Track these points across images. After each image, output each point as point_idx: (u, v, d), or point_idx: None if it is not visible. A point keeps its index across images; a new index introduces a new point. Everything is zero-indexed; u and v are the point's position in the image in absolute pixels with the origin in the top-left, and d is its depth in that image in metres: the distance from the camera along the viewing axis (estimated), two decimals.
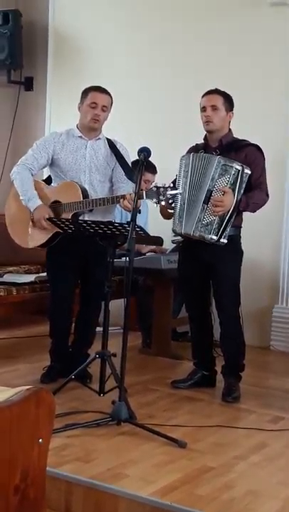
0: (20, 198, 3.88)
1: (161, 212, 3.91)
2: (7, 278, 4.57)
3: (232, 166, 3.63)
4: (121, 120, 5.48)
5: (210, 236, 3.67)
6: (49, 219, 3.72)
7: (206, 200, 3.67)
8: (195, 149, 3.88)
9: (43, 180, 4.10)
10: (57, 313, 4.02)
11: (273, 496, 2.62)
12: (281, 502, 2.57)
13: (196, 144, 3.92)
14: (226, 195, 3.63)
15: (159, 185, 3.45)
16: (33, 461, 2.04)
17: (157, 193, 3.41)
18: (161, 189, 3.42)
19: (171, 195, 3.44)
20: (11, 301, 4.36)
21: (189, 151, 3.87)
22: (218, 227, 3.66)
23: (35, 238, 3.94)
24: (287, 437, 3.27)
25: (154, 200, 3.43)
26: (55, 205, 3.87)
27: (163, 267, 4.56)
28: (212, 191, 3.65)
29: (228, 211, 3.64)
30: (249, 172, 3.67)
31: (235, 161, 3.66)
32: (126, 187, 3.84)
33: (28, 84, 6.13)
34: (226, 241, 3.68)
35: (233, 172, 3.63)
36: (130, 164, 3.92)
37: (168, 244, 4.91)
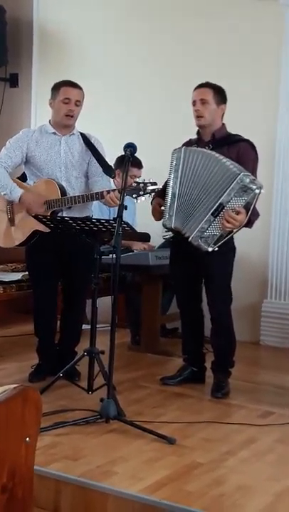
0: (2, 193, 3.83)
1: (152, 212, 3.88)
2: None
3: (252, 190, 3.49)
4: (107, 117, 5.48)
5: (207, 248, 3.60)
6: (35, 217, 3.68)
7: (215, 213, 3.56)
8: (188, 144, 3.84)
9: (18, 178, 4.02)
10: (40, 311, 3.99)
11: (263, 492, 2.61)
12: (271, 497, 2.57)
13: (190, 139, 3.87)
14: (240, 215, 3.52)
15: (138, 180, 3.44)
16: (20, 459, 2.02)
17: (137, 188, 3.40)
18: (141, 184, 3.41)
19: (151, 190, 3.43)
20: None
21: (182, 146, 3.82)
22: (217, 240, 3.60)
23: (13, 238, 3.91)
24: (276, 432, 3.26)
25: (134, 195, 3.42)
26: None
27: (151, 263, 4.55)
28: (224, 207, 3.54)
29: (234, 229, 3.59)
30: (263, 191, 3.56)
31: (256, 180, 3.54)
32: (102, 181, 3.81)
33: (13, 80, 6.09)
34: (216, 249, 3.62)
35: (252, 195, 3.51)
36: (106, 158, 3.88)
37: (156, 241, 4.90)
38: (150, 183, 3.43)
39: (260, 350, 4.99)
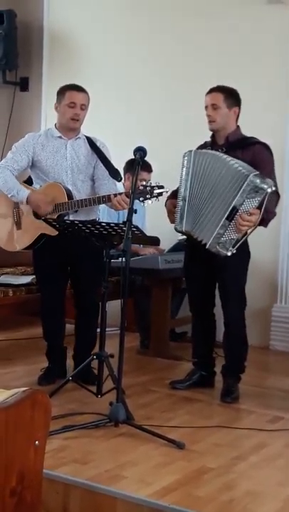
0: (9, 195, 3.84)
1: (168, 214, 3.86)
2: (3, 279, 4.55)
3: (263, 189, 3.46)
4: (117, 120, 5.49)
5: (225, 252, 3.57)
6: (45, 220, 3.69)
7: (230, 217, 3.53)
8: (203, 147, 3.82)
9: (24, 182, 4.02)
10: (48, 314, 4.00)
11: (273, 497, 2.60)
12: (281, 503, 2.55)
13: (205, 142, 3.85)
14: (253, 216, 3.50)
15: (145, 183, 3.44)
16: (29, 463, 2.02)
17: (144, 192, 3.40)
18: (148, 188, 3.41)
19: (158, 193, 3.43)
20: (7, 303, 4.34)
21: (198, 149, 3.80)
22: (235, 244, 3.56)
23: (20, 241, 3.92)
24: (286, 437, 3.24)
25: (141, 199, 3.42)
26: None
27: (160, 267, 4.54)
28: (238, 210, 3.51)
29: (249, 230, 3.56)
30: (275, 189, 3.52)
31: (266, 179, 3.49)
32: (108, 184, 3.82)
33: (24, 84, 6.11)
34: (234, 251, 3.58)
35: (263, 195, 3.48)
36: (111, 161, 3.88)
37: (166, 245, 4.90)
38: (157, 186, 3.43)
39: (270, 355, 4.97)
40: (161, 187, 3.46)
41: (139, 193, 3.41)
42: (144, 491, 2.57)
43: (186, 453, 2.98)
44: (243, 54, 5.11)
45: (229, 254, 3.58)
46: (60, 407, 3.36)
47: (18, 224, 3.92)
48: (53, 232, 3.68)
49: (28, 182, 4.00)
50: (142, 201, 3.45)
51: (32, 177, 3.97)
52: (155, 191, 3.42)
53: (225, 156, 3.62)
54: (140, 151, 3.36)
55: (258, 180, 3.47)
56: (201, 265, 3.80)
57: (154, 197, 3.44)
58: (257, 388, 4.02)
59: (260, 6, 5.04)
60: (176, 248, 4.91)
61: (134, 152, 3.38)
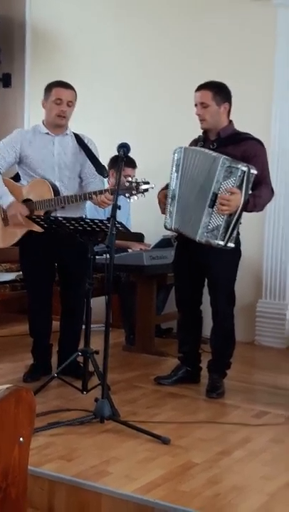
0: None
1: (158, 203, 3.82)
2: None
3: (237, 168, 3.49)
4: (100, 117, 5.48)
5: (217, 242, 3.55)
6: (28, 217, 3.68)
7: (212, 204, 3.53)
8: (195, 142, 3.81)
9: (11, 178, 4.01)
10: (35, 311, 3.98)
11: (257, 491, 2.61)
12: (265, 497, 2.56)
13: (199, 136, 3.82)
14: (234, 195, 3.49)
15: (130, 180, 3.43)
16: (13, 460, 2.01)
17: (130, 188, 3.40)
18: (134, 184, 3.40)
19: (144, 189, 3.42)
20: None
21: (190, 145, 3.79)
22: (224, 231, 3.54)
23: (7, 237, 3.90)
24: (271, 432, 3.26)
25: (127, 195, 3.42)
26: (27, 204, 3.82)
27: (145, 263, 4.54)
28: (217, 194, 3.52)
29: (236, 213, 3.52)
30: (255, 172, 3.53)
31: (240, 161, 3.52)
32: (95, 182, 3.81)
33: (6, 80, 6.08)
34: (233, 245, 3.57)
35: (239, 174, 3.48)
36: (99, 158, 3.87)
37: (151, 240, 4.90)
38: (143, 182, 3.43)
39: (255, 350, 4.99)
40: (147, 183, 3.46)
41: (125, 189, 3.41)
42: (130, 486, 2.58)
43: (172, 448, 2.99)
44: (231, 49, 5.10)
45: (222, 243, 3.55)
46: (45, 404, 3.35)
47: (5, 220, 3.91)
48: (40, 229, 3.67)
49: (16, 178, 4.00)
50: (128, 197, 3.44)
51: (19, 173, 3.96)
52: (141, 187, 3.41)
53: (210, 151, 3.61)
54: (124, 148, 3.35)
55: (229, 161, 3.48)
56: (190, 262, 3.80)
57: (140, 193, 3.43)
58: (242, 383, 4.04)
59: (252, 7, 5.02)
60: (161, 244, 4.92)
61: (117, 148, 3.37)
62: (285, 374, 4.31)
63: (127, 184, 3.41)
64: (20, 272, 4.59)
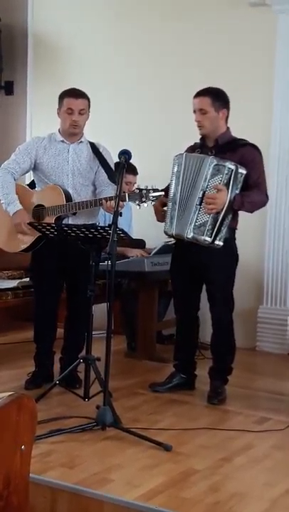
0: (1, 201, 3.87)
1: (155, 213, 3.86)
2: None
3: (224, 166, 3.57)
4: (101, 123, 5.49)
5: (203, 237, 3.60)
6: (30, 223, 3.70)
7: (200, 202, 3.61)
8: (192, 148, 3.84)
9: (27, 185, 4.10)
10: (41, 317, 3.99)
11: (259, 498, 2.61)
12: (267, 503, 2.56)
13: (195, 143, 3.86)
14: (220, 192, 3.56)
15: (141, 187, 3.45)
16: (15, 467, 2.02)
17: (140, 195, 3.41)
18: (144, 191, 3.42)
19: (154, 197, 3.44)
20: None
21: (187, 151, 3.82)
22: (211, 228, 3.59)
23: (19, 242, 3.92)
24: (273, 438, 3.26)
25: (137, 202, 3.43)
26: (39, 209, 3.86)
27: (147, 269, 4.54)
28: (205, 191, 3.60)
29: (222, 210, 3.58)
30: (244, 172, 3.60)
31: (229, 160, 3.60)
32: (108, 190, 3.83)
33: (9, 88, 6.09)
34: (221, 243, 3.62)
35: (226, 171, 3.56)
36: (112, 166, 3.90)
37: (152, 247, 4.91)
38: (153, 189, 3.44)
39: (256, 356, 4.99)
40: (157, 190, 3.48)
41: (135, 196, 3.42)
42: (131, 493, 2.58)
43: (173, 455, 2.99)
44: (231, 56, 5.13)
45: (209, 239, 3.59)
46: (47, 411, 3.35)
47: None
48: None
49: (32, 185, 4.04)
50: (138, 204, 3.46)
51: (35, 180, 4.02)
52: (150, 194, 3.42)
53: (212, 157, 3.64)
54: (125, 154, 3.37)
55: (217, 160, 3.56)
56: (187, 268, 3.81)
57: (150, 200, 3.44)
58: (244, 389, 4.04)
59: (253, 12, 5.05)
60: (162, 250, 4.92)
61: (118, 155, 3.39)
62: (287, 380, 4.31)
63: (137, 191, 3.42)
64: (22, 280, 4.62)
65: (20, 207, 3.83)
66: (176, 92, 4.63)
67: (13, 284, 4.52)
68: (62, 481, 2.66)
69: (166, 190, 3.69)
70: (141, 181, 3.73)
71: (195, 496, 2.58)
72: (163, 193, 3.61)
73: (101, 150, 3.92)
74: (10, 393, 2.03)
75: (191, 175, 3.67)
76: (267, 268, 5.09)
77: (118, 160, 3.40)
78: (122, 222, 3.81)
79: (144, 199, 3.43)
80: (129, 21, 5.57)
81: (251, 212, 3.79)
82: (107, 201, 3.62)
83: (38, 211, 3.86)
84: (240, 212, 3.87)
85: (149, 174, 4.57)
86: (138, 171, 4.79)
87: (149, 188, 3.47)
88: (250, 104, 5.05)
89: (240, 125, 4.77)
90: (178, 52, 5.35)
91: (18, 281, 4.60)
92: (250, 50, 5.08)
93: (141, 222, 5.05)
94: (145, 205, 3.47)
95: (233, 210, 3.64)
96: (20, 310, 4.48)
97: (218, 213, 3.59)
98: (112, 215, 3.35)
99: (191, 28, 5.29)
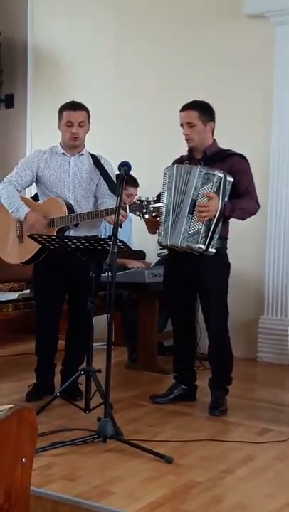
0: (9, 210, 3.89)
1: (147, 225, 3.89)
2: None
3: (214, 174, 3.63)
4: (100, 135, 5.51)
5: (198, 245, 3.64)
6: (30, 236, 3.70)
7: (191, 210, 3.66)
8: (180, 161, 3.88)
9: (31, 198, 4.12)
10: (42, 329, 3.99)
11: (261, 509, 2.60)
12: None
13: (181, 156, 3.92)
14: (211, 200, 3.62)
15: (142, 198, 3.46)
16: (16, 480, 2.01)
17: (141, 206, 3.42)
18: (145, 202, 3.43)
19: (154, 208, 3.45)
20: None
21: (174, 163, 3.87)
22: (205, 235, 3.64)
23: (21, 254, 3.93)
24: (274, 450, 3.25)
25: (138, 213, 3.44)
26: None
27: (147, 280, 4.55)
28: (196, 200, 3.65)
29: (214, 217, 3.63)
30: (232, 180, 3.67)
31: (217, 169, 3.65)
32: (109, 201, 3.85)
33: (9, 101, 6.13)
34: (214, 250, 3.66)
35: (215, 180, 3.62)
36: (114, 178, 3.92)
37: (152, 258, 4.91)
38: (153, 200, 3.45)
39: (257, 367, 4.98)
40: (158, 201, 3.49)
41: (135, 207, 3.43)
42: (133, 506, 2.57)
43: (174, 467, 2.98)
44: (230, 66, 5.16)
45: (203, 247, 3.63)
46: (47, 424, 3.35)
47: (20, 237, 3.95)
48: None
49: (35, 198, 4.07)
50: (139, 215, 3.47)
51: (37, 192, 4.04)
52: (151, 206, 3.43)
53: (200, 166, 3.69)
54: (124, 166, 3.38)
55: (206, 169, 3.63)
56: (180, 278, 3.83)
57: (150, 211, 3.45)
58: (245, 400, 4.03)
59: (238, 19, 5.09)
60: (162, 262, 4.92)
61: (118, 167, 3.40)
62: (288, 391, 4.31)
63: (137, 203, 3.43)
64: (23, 292, 4.62)
65: (28, 209, 3.85)
66: (177, 104, 4.59)
67: (13, 296, 4.53)
68: (63, 494, 2.66)
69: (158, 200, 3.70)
70: (142, 193, 3.73)
71: (197, 508, 2.57)
72: (163, 204, 3.63)
73: (102, 162, 3.95)
74: (11, 406, 2.02)
75: (182, 185, 3.72)
76: (267, 278, 5.09)
77: (118, 172, 3.42)
78: (121, 234, 3.81)
79: (144, 210, 3.44)
80: (129, 34, 5.60)
81: (243, 219, 3.83)
82: (108, 214, 3.63)
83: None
84: (240, 223, 3.89)
85: (149, 186, 4.58)
86: (139, 183, 4.81)
87: (150, 199, 3.48)
88: (249, 115, 5.08)
89: (239, 135, 4.82)
90: (178, 63, 5.38)
91: (18, 293, 4.61)
92: (249, 61, 5.10)
93: (141, 234, 5.06)
94: (146, 216, 3.48)
95: (224, 216, 3.68)
96: (21, 322, 4.48)
97: (210, 221, 3.63)
98: (112, 227, 3.36)
99: (191, 40, 5.32)
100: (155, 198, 3.48)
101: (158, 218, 3.77)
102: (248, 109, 5.07)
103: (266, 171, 4.96)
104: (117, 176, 3.46)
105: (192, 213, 3.65)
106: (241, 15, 5.08)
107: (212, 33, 5.22)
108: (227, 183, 3.65)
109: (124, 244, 3.41)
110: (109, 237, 3.29)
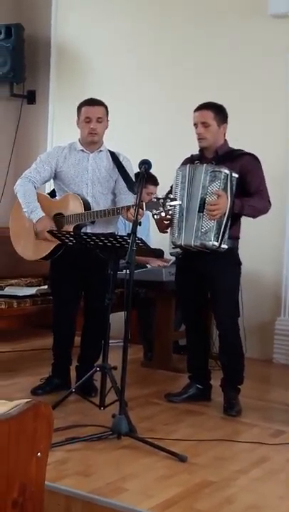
0: (23, 209, 3.91)
1: (157, 224, 3.89)
2: (8, 291, 4.57)
3: (220, 171, 3.64)
4: (122, 133, 5.52)
5: (211, 243, 3.65)
6: (49, 231, 3.72)
7: (201, 209, 3.67)
8: (190, 160, 3.88)
9: (48, 194, 4.14)
10: (59, 326, 4.01)
11: (274, 511, 2.59)
12: None
13: (192, 155, 3.91)
14: (220, 197, 3.63)
15: (159, 196, 3.46)
16: (31, 475, 2.02)
17: (157, 204, 3.42)
18: (161, 200, 3.43)
19: (171, 206, 3.45)
20: (11, 314, 4.36)
21: (184, 163, 3.87)
22: (217, 232, 3.65)
23: (38, 250, 3.95)
24: (288, 451, 3.23)
25: (154, 211, 3.44)
26: (58, 218, 3.89)
27: (164, 279, 4.55)
28: (205, 199, 3.66)
29: (225, 214, 3.64)
30: (237, 176, 3.67)
31: (223, 166, 3.66)
32: (127, 198, 3.85)
33: (31, 97, 6.16)
34: (226, 246, 3.67)
35: (222, 177, 3.63)
36: (132, 175, 3.92)
37: (170, 257, 4.90)
38: (170, 198, 3.45)
39: (273, 368, 4.96)
40: (174, 199, 3.49)
41: (152, 205, 3.43)
42: (146, 503, 2.57)
43: (188, 466, 2.98)
44: (243, 65, 5.15)
45: (216, 243, 3.63)
46: (63, 419, 3.36)
47: (37, 234, 3.96)
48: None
49: (52, 194, 4.07)
50: (156, 214, 3.46)
51: (55, 188, 4.05)
52: (168, 203, 3.43)
53: (206, 165, 3.70)
54: (145, 164, 3.39)
55: (212, 167, 3.64)
56: (192, 277, 3.83)
57: (166, 210, 3.45)
58: (260, 402, 4.02)
59: (261, 19, 5.07)
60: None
61: (139, 165, 3.41)
62: None
63: (154, 200, 3.43)
64: (41, 287, 4.64)
65: (42, 214, 3.87)
66: (198, 103, 4.61)
67: (31, 291, 4.55)
68: (76, 490, 2.66)
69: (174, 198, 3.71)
70: (161, 193, 3.74)
71: (210, 508, 2.57)
72: (180, 202, 3.63)
73: (121, 159, 3.95)
74: (27, 400, 2.04)
75: (191, 184, 3.72)
76: (285, 280, 5.07)
77: (138, 170, 3.42)
78: (140, 232, 3.79)
79: (161, 208, 3.45)
80: (150, 32, 5.60)
81: (253, 217, 3.83)
82: (127, 210, 3.64)
83: (57, 219, 3.88)
84: (258, 223, 3.87)
85: (168, 184, 4.58)
86: (159, 181, 4.80)
87: (166, 197, 3.48)
88: (268, 115, 5.06)
89: (257, 135, 4.80)
90: (200, 62, 5.38)
91: (36, 288, 4.63)
92: (266, 59, 5.08)
93: (158, 232, 5.05)
94: (162, 214, 3.48)
95: (234, 213, 3.68)
96: (38, 317, 4.50)
97: (220, 218, 3.64)
98: (131, 224, 3.36)
99: (212, 39, 5.32)
100: (171, 196, 3.48)
101: (168, 217, 3.76)
102: (267, 110, 5.05)
103: (283, 171, 4.94)
104: (137, 173, 3.47)
105: (202, 211, 3.66)
106: (265, 14, 5.05)
107: (235, 32, 5.21)
108: (233, 179, 3.66)
109: (142, 242, 3.41)
110: (128, 235, 3.29)
